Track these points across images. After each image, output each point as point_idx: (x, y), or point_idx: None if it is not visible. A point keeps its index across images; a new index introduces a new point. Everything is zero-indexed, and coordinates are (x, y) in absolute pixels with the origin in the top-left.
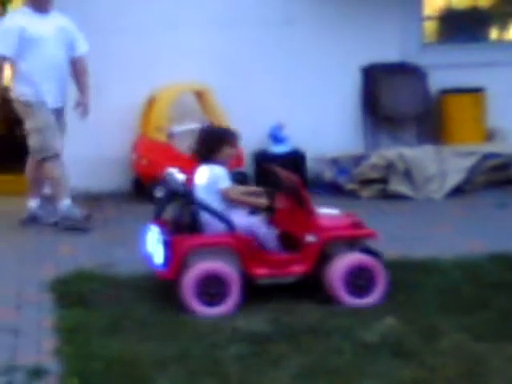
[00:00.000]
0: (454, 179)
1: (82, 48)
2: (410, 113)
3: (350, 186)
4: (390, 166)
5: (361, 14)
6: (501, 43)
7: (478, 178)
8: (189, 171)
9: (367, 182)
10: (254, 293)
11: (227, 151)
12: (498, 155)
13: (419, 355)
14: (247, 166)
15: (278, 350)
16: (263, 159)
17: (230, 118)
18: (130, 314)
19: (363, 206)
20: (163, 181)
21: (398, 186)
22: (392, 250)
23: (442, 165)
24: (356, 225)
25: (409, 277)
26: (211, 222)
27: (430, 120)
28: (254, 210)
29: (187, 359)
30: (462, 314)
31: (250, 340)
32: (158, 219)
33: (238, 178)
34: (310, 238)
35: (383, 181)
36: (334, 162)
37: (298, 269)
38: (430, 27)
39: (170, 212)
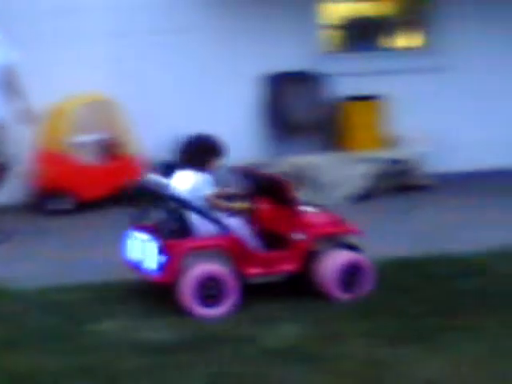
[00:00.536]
0: (355, 185)
1: (10, 57)
2: (311, 120)
3: None
4: (296, 174)
5: (261, 23)
6: (397, 52)
7: (380, 183)
8: (90, 181)
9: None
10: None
11: (217, 162)
12: (398, 161)
13: (323, 360)
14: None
15: (182, 359)
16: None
17: (132, 127)
18: (31, 327)
19: None
20: (142, 186)
21: (301, 193)
22: None
23: (343, 171)
24: (337, 221)
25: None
26: (200, 225)
27: (331, 127)
28: (233, 212)
29: (90, 372)
30: (365, 318)
31: (154, 350)
32: (138, 224)
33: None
34: (297, 236)
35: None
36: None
37: (288, 266)
38: (332, 35)
39: (148, 217)
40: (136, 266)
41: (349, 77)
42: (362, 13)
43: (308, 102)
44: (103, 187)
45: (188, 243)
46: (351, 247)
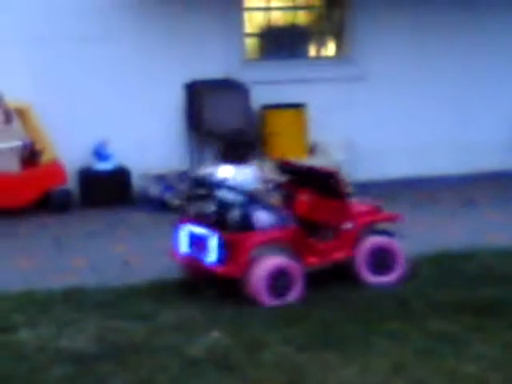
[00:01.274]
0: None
1: None
2: (233, 128)
3: (175, 203)
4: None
5: (184, 31)
6: (319, 60)
7: None
8: (8, 190)
9: (193, 198)
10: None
11: (255, 156)
12: None
13: (243, 368)
14: (71, 184)
15: (103, 369)
16: (87, 176)
17: (53, 134)
18: None
19: None
20: (199, 179)
21: None
22: None
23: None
24: (377, 210)
25: (235, 291)
26: (258, 218)
27: (253, 135)
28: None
29: (9, 382)
30: (285, 326)
31: (74, 360)
32: (190, 217)
33: (61, 196)
34: (347, 225)
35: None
36: (160, 178)
37: (339, 255)
38: (251, 44)
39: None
40: (190, 260)
41: (269, 85)
42: (281, 21)
43: (230, 110)
44: (22, 195)
45: (257, 236)
46: (386, 233)
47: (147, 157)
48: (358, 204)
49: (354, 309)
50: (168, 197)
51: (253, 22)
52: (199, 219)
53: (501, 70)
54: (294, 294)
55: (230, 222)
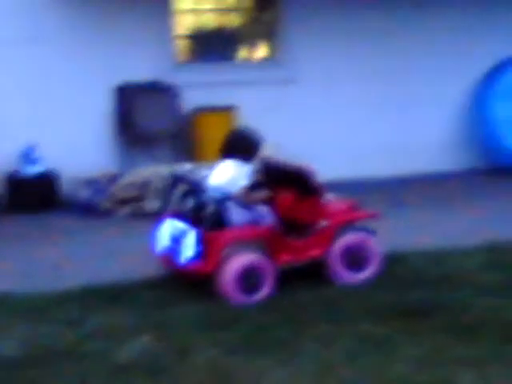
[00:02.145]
0: None
1: None
2: (164, 131)
3: (105, 206)
4: (145, 185)
5: (113, 33)
6: (250, 62)
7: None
8: None
9: (123, 202)
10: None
11: (257, 156)
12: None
13: (174, 372)
14: None
15: (30, 375)
16: (15, 180)
17: None
18: None
19: (119, 225)
20: (180, 177)
21: (153, 204)
22: (150, 268)
23: None
24: (355, 208)
25: (165, 294)
26: (234, 215)
27: (184, 138)
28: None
29: None
30: (216, 329)
31: (1, 366)
32: (171, 212)
33: None
34: (322, 223)
35: (139, 199)
36: (89, 181)
37: (313, 252)
38: (182, 46)
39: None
40: (168, 255)
41: (200, 88)
42: (212, 24)
43: (160, 113)
44: None
45: (230, 234)
46: (364, 230)
47: (77, 160)
48: (336, 202)
49: (285, 311)
50: (98, 200)
51: (183, 24)
52: (177, 215)
53: (431, 71)
54: (266, 292)
55: (205, 219)
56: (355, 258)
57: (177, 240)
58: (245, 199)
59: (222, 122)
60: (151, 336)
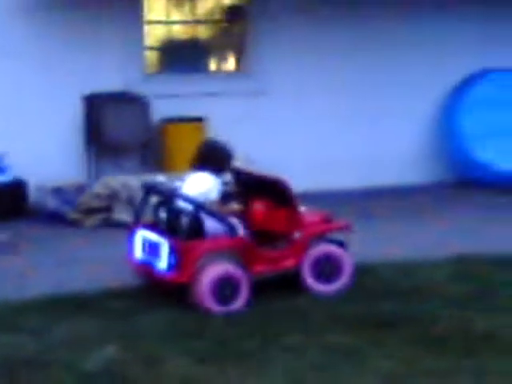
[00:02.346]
0: None
1: None
2: (133, 142)
3: (73, 216)
4: (113, 195)
5: (83, 43)
6: (220, 74)
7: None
8: None
9: (90, 211)
10: None
11: (228, 167)
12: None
13: (141, 382)
14: None
15: None
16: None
17: None
18: None
19: (86, 235)
20: (153, 187)
21: (121, 214)
22: (116, 278)
23: None
24: (329, 219)
25: (133, 304)
26: (209, 226)
27: (153, 149)
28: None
29: None
30: (184, 338)
31: None
32: (143, 223)
33: None
34: (296, 234)
35: (107, 209)
36: (57, 191)
37: (287, 263)
38: (152, 57)
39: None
40: (143, 266)
41: (170, 99)
42: (182, 35)
43: (128, 124)
44: None
45: (205, 244)
46: (337, 242)
47: (45, 170)
48: (310, 213)
49: (256, 321)
50: (65, 210)
51: (153, 35)
52: (152, 226)
53: (401, 84)
54: (240, 302)
55: (180, 229)
56: (326, 269)
57: (151, 251)
58: (217, 209)
59: (191, 133)
60: (117, 346)
